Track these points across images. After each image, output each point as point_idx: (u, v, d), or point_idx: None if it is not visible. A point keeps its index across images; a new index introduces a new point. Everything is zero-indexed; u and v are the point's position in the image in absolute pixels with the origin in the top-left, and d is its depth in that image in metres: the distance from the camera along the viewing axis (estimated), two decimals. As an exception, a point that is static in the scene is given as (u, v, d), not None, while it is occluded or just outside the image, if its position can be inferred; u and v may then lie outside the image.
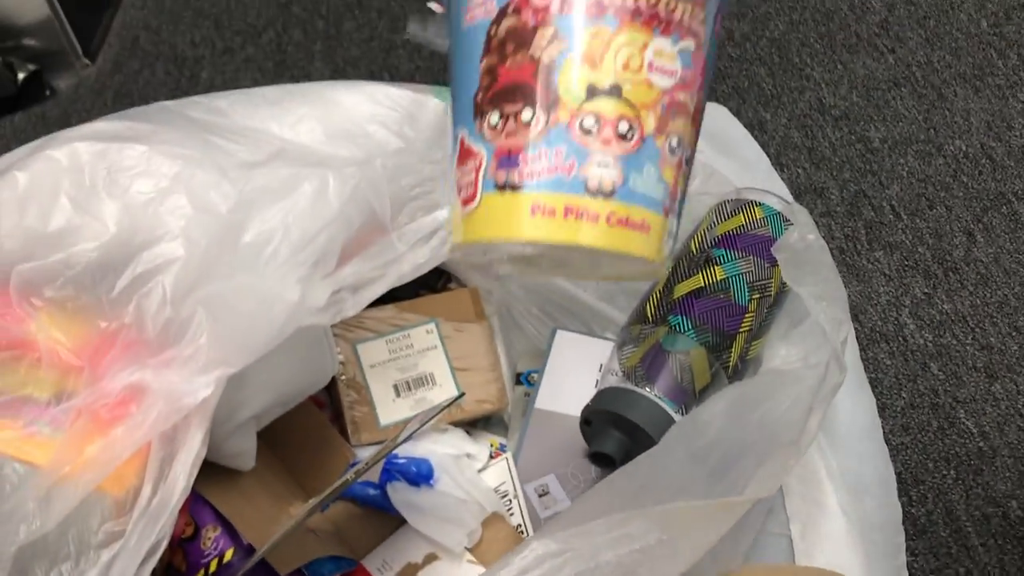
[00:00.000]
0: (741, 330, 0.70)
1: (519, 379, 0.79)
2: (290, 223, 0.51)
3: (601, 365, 0.76)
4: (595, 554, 0.43)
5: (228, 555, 0.61)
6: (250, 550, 0.62)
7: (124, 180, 0.48)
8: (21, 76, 1.19)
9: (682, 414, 0.69)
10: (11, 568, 0.40)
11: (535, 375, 0.78)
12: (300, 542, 0.64)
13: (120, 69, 1.23)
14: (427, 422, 0.54)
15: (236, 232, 0.49)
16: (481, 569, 0.65)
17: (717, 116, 1.02)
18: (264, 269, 0.49)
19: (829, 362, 0.55)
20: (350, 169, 0.54)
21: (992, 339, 0.78)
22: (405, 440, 0.54)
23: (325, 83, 0.61)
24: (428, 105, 0.60)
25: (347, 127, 0.58)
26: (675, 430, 0.60)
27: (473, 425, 0.75)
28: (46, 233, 0.47)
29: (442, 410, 0.56)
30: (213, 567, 0.61)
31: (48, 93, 1.21)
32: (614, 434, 0.67)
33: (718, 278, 0.71)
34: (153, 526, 0.43)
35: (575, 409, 0.73)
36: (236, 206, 0.50)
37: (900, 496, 0.68)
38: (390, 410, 0.70)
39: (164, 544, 0.43)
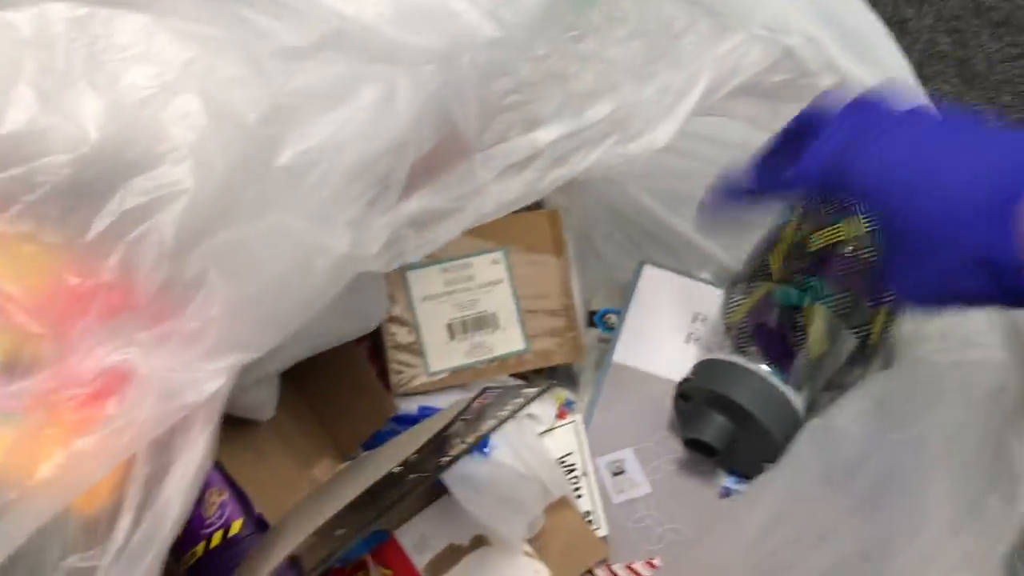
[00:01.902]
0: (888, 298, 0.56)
1: (592, 319, 0.66)
2: (343, 142, 0.37)
3: (695, 314, 0.63)
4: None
5: (235, 527, 0.51)
6: (261, 523, 0.51)
7: (114, 66, 0.35)
8: None
9: (795, 387, 0.56)
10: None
11: (613, 316, 0.65)
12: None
13: None
14: (501, 424, 0.41)
15: (268, 152, 0.36)
16: (538, 565, 0.54)
17: (850, 8, 0.85)
18: (304, 206, 0.36)
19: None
20: (428, 68, 0.40)
21: None
22: (464, 452, 0.41)
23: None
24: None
25: (426, 3, 0.43)
26: (806, 437, 0.48)
27: (538, 373, 0.62)
28: (-2, 137, 0.33)
29: (522, 408, 0.43)
30: (217, 540, 0.50)
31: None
32: (716, 418, 0.55)
33: (863, 230, 0.57)
34: (134, 568, 0.31)
35: (662, 367, 0.61)
36: (270, 114, 0.36)
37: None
38: (441, 354, 0.58)
39: (148, 594, 0.31)
